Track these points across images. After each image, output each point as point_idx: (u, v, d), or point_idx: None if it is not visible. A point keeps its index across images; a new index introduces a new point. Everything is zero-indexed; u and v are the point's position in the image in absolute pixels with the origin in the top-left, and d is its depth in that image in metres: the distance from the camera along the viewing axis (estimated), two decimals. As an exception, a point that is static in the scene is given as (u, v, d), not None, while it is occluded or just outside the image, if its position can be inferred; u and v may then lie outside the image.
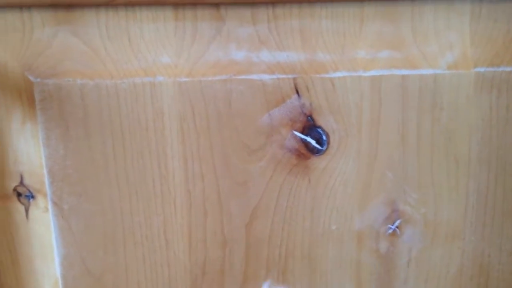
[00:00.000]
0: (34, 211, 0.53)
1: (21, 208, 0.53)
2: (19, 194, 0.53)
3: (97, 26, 0.49)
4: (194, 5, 0.49)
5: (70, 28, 0.49)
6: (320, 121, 0.52)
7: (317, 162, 0.53)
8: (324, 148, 0.52)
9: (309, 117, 0.51)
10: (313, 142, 0.52)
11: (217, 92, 0.50)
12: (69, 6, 0.48)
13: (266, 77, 0.50)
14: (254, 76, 0.50)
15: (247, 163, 0.52)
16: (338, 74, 0.51)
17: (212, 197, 0.53)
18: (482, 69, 0.52)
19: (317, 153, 0.52)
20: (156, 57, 0.50)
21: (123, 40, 0.49)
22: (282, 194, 0.54)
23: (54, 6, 0.48)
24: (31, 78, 0.49)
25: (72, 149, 0.50)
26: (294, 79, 0.50)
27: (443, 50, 0.52)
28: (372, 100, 0.51)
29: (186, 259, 0.54)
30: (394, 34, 0.51)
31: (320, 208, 0.54)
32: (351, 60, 0.51)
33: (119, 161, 0.51)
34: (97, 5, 0.48)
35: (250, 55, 0.50)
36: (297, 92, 0.51)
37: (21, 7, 0.48)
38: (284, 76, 0.50)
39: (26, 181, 0.52)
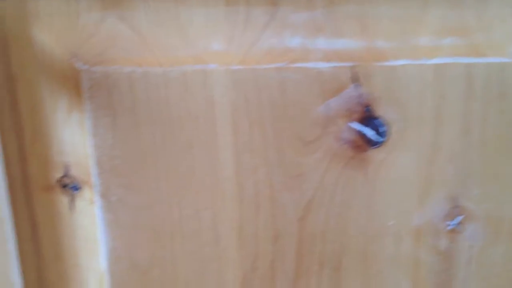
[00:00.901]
0: (79, 203, 0.52)
1: (66, 200, 0.52)
2: (63, 186, 0.51)
3: (145, 11, 0.47)
4: (247, -11, 0.46)
5: (117, 13, 0.47)
6: (379, 111, 0.49)
7: (374, 155, 0.50)
8: (383, 140, 0.50)
9: (367, 108, 0.49)
10: (371, 134, 0.49)
11: (271, 81, 0.48)
12: (117, -10, 0.46)
13: (322, 65, 0.48)
14: (310, 64, 0.48)
15: (301, 155, 0.50)
16: (399, 62, 0.48)
17: (264, 191, 0.51)
18: (555, 57, 0.48)
19: (375, 145, 0.50)
20: (207, 43, 0.47)
21: (172, 26, 0.47)
22: (337, 187, 0.51)
23: (101, -10, 0.46)
24: (78, 65, 0.47)
25: (120, 139, 0.48)
26: (352, 67, 0.48)
27: (511, 37, 0.48)
28: (434, 90, 0.49)
29: (236, 254, 0.53)
30: (459, 20, 0.48)
31: (376, 203, 0.52)
32: (413, 48, 0.48)
33: (168, 152, 0.49)
34: (146, -11, 0.46)
35: (305, 42, 0.48)
36: (355, 81, 0.48)
37: (67, -10, 0.46)
38: (341, 64, 0.48)
39: (72, 172, 0.51)
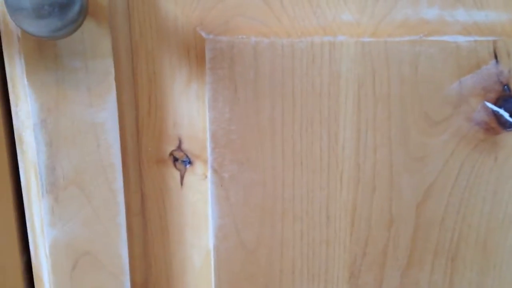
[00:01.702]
0: (190, 178, 0.50)
1: (176, 174, 0.50)
2: (175, 159, 0.49)
3: (273, -23, 0.44)
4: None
5: (244, -21, 0.44)
6: (518, 91, 0.45)
7: (508, 139, 0.47)
8: (519, 123, 0.46)
9: (505, 86, 0.45)
10: (506, 115, 0.46)
11: (403, 55, 0.45)
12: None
13: (461, 39, 0.44)
14: (447, 38, 0.44)
15: (427, 136, 0.47)
16: (545, 38, 0.44)
17: (383, 172, 0.48)
18: None
19: (509, 128, 0.46)
20: (337, 14, 0.44)
21: (301, -6, 0.44)
22: (463, 172, 0.48)
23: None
24: (203, 34, 0.45)
25: (239, 113, 0.46)
26: (494, 42, 0.44)
27: None
28: None
29: (347, 238, 0.50)
30: None
31: (504, 190, 0.49)
32: (562, 22, 0.44)
33: (286, 128, 0.47)
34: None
35: (443, 13, 0.44)
36: (496, 58, 0.44)
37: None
38: (481, 38, 0.44)
39: (185, 145, 0.49)
